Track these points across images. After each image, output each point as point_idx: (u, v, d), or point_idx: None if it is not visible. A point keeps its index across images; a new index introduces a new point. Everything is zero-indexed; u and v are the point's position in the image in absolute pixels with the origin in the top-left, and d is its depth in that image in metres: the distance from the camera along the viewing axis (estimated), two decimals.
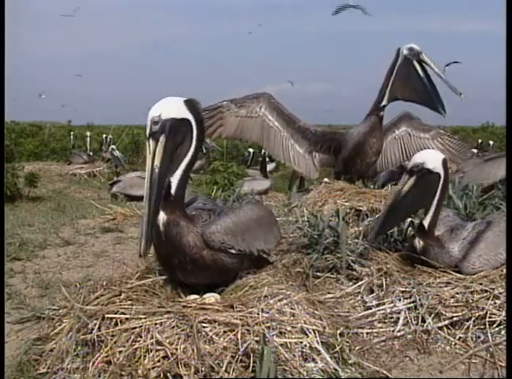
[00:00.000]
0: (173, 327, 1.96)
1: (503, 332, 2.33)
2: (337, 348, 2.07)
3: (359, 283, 2.80)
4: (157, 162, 2.03)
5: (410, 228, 3.27)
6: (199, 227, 2.17)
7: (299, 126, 4.47)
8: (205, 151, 11.99)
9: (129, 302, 2.12)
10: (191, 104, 2.09)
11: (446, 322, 2.43)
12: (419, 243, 2.76)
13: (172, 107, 2.06)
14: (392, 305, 2.56)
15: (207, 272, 2.22)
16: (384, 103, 4.31)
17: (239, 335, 1.91)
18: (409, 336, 2.41)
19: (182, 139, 2.09)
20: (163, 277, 2.36)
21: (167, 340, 1.90)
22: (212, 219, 2.24)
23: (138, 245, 2.06)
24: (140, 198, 7.18)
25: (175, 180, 2.11)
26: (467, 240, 2.75)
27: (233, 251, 2.22)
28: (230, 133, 4.36)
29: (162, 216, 2.10)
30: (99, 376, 1.88)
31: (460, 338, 2.37)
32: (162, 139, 2.03)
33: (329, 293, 2.79)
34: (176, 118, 2.05)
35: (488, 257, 2.67)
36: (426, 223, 2.76)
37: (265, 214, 2.53)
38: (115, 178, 8.42)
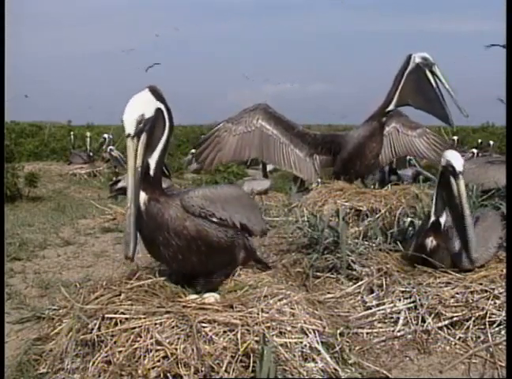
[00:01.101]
0: (173, 327, 1.96)
1: (503, 332, 2.34)
2: (337, 348, 2.08)
3: (359, 283, 2.81)
4: (139, 161, 2.07)
5: (410, 228, 3.28)
6: (178, 199, 2.18)
7: (298, 132, 4.47)
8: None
9: (129, 302, 2.11)
10: (157, 92, 2.14)
11: (446, 322, 2.43)
12: (431, 242, 2.72)
13: (149, 103, 2.11)
14: (392, 305, 2.56)
15: (193, 245, 2.17)
16: (391, 107, 4.30)
17: (238, 335, 1.91)
18: (409, 336, 2.41)
19: (156, 126, 2.14)
20: (163, 278, 2.36)
21: (167, 340, 1.90)
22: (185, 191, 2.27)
23: (124, 247, 2.07)
24: None
25: (153, 162, 2.14)
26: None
27: (214, 219, 2.19)
28: (229, 155, 4.29)
29: (143, 196, 2.12)
30: (99, 376, 1.88)
31: (460, 338, 2.37)
32: (143, 137, 2.08)
33: (329, 293, 2.79)
34: (154, 113, 2.11)
35: (481, 251, 2.72)
36: (443, 220, 2.73)
37: (245, 196, 2.57)
38: (115, 179, 8.39)
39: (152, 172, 2.14)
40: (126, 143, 2.08)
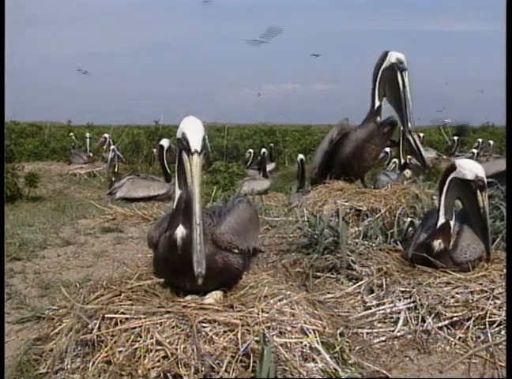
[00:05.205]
0: (173, 327, 1.96)
1: (503, 332, 2.34)
2: (337, 348, 2.07)
3: (359, 283, 2.81)
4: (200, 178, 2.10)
5: (410, 228, 3.28)
6: (208, 231, 2.22)
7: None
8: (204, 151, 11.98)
9: (129, 302, 2.12)
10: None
11: (446, 322, 2.43)
12: (439, 245, 2.72)
13: (202, 128, 2.18)
14: (392, 305, 2.56)
15: (218, 276, 2.24)
16: (377, 103, 4.35)
17: (239, 335, 1.92)
18: (409, 336, 2.41)
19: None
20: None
21: (167, 340, 1.90)
22: (215, 221, 2.31)
23: (196, 266, 2.01)
24: (143, 199, 7.17)
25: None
26: (457, 233, 2.79)
27: (236, 251, 2.28)
28: None
29: (181, 231, 2.14)
30: (99, 376, 1.88)
31: (460, 338, 2.37)
32: (202, 156, 2.12)
33: (329, 293, 2.79)
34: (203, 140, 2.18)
35: (475, 245, 2.76)
36: (452, 223, 2.76)
37: (254, 213, 2.68)
38: (113, 178, 8.39)
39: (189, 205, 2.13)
40: (191, 159, 2.08)
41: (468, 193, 2.74)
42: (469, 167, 2.74)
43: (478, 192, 2.72)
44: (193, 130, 2.12)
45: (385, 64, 4.21)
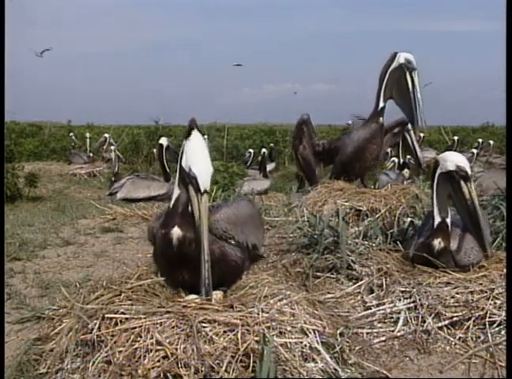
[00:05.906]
0: (173, 327, 1.96)
1: (503, 332, 2.34)
2: (337, 348, 2.08)
3: (359, 283, 2.81)
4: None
5: (410, 228, 3.28)
6: None
7: (313, 142, 4.70)
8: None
9: (129, 302, 2.12)
10: (197, 127, 2.20)
11: (446, 322, 2.43)
12: (439, 244, 2.70)
13: (206, 146, 2.18)
14: (392, 305, 2.56)
15: (216, 267, 2.20)
16: (381, 104, 4.36)
17: (239, 335, 1.91)
18: (409, 336, 2.41)
19: None
20: (163, 278, 2.36)
21: (167, 340, 1.90)
22: (213, 212, 2.30)
23: (205, 295, 2.09)
24: (143, 200, 7.16)
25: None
26: (461, 235, 2.78)
27: (233, 242, 2.28)
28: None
29: (177, 232, 2.14)
30: (99, 376, 1.88)
31: (460, 338, 2.37)
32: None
33: (329, 293, 2.79)
34: None
35: (478, 248, 2.75)
36: (449, 221, 2.73)
37: (257, 213, 2.66)
38: (113, 178, 8.39)
39: (190, 209, 2.14)
40: (200, 199, 2.06)
41: (455, 185, 2.70)
42: (450, 158, 2.71)
43: (462, 182, 2.66)
44: (201, 168, 2.09)
45: (394, 65, 4.22)
